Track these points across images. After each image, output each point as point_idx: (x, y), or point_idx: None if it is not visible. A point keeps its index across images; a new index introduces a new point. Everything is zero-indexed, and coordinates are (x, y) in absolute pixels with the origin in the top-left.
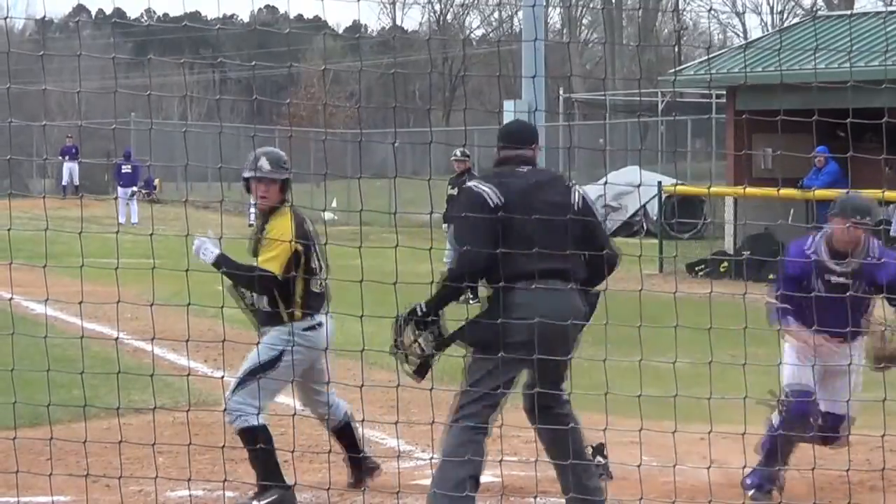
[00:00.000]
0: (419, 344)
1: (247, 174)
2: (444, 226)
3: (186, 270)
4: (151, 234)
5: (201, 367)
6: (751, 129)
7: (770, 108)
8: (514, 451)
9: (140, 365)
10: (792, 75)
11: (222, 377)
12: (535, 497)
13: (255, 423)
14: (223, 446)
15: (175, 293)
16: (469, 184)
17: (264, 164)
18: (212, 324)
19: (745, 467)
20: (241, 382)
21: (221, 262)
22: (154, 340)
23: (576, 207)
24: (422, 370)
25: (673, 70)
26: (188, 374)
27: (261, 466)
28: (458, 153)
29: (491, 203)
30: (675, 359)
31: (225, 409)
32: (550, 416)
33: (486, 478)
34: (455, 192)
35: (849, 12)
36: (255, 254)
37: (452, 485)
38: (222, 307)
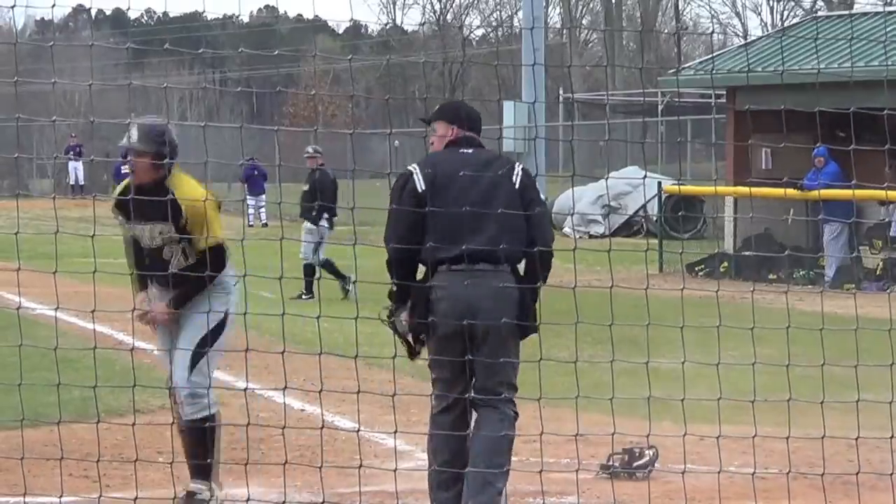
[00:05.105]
0: (395, 327)
1: (120, 144)
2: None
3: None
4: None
5: None
6: (751, 129)
7: (770, 107)
8: (516, 452)
9: (140, 364)
10: (792, 75)
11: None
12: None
13: (215, 409)
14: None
15: None
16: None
17: (133, 133)
18: None
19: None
20: (194, 358)
21: (179, 300)
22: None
23: (516, 186)
24: (410, 352)
25: (673, 70)
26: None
27: (216, 454)
28: (311, 150)
29: (419, 188)
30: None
31: (181, 393)
32: (484, 409)
33: None
34: (307, 187)
35: (849, 12)
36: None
37: None
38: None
